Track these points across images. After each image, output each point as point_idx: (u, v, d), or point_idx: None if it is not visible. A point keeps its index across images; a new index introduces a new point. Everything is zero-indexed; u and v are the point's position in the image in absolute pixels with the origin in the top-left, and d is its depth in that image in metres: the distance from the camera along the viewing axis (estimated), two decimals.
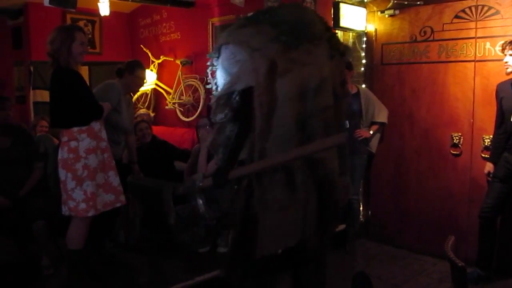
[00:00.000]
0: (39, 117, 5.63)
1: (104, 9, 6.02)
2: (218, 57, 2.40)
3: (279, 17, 2.36)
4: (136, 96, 7.34)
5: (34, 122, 5.54)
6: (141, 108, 7.20)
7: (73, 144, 3.34)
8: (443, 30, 4.36)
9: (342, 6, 4.63)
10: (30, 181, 4.01)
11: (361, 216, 4.98)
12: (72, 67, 3.39)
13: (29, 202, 3.92)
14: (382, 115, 4.58)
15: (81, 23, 7.03)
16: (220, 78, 2.39)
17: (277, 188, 2.25)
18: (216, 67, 2.41)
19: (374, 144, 4.69)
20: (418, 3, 4.47)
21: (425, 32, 4.48)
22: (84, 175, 3.35)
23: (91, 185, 3.36)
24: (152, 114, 7.23)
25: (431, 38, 4.45)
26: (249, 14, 2.53)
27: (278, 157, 2.24)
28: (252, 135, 2.26)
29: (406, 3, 4.54)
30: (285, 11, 2.43)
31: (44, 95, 6.52)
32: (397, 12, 4.66)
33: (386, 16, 4.75)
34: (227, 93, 2.30)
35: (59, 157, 3.41)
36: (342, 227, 4.68)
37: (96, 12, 6.31)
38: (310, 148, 2.27)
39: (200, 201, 2.44)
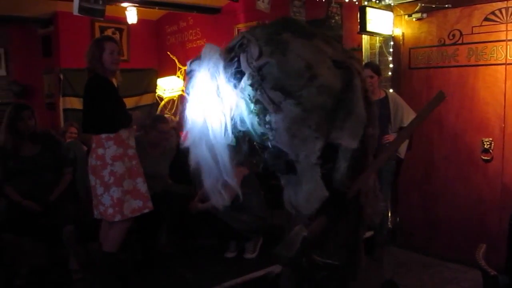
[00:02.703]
0: (68, 124, 5.73)
1: (131, 17, 6.11)
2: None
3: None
4: (163, 102, 7.42)
5: (64, 129, 5.64)
6: (167, 115, 7.26)
7: (100, 151, 3.41)
8: (472, 33, 4.28)
9: (369, 10, 4.59)
10: (60, 187, 4.08)
11: (389, 223, 4.91)
12: (106, 76, 3.47)
13: (58, 207, 3.98)
14: (411, 120, 4.51)
15: (109, 31, 7.15)
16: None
17: None
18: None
19: (402, 150, 4.63)
20: (446, 6, 4.41)
21: (453, 36, 4.42)
22: (111, 182, 3.40)
23: (117, 191, 3.41)
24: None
25: (460, 42, 4.38)
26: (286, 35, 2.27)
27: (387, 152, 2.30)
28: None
29: (433, 6, 4.48)
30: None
31: (73, 102, 6.65)
32: (424, 15, 4.60)
33: (414, 19, 4.69)
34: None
35: (89, 163, 3.49)
36: (369, 234, 4.62)
37: (123, 20, 6.40)
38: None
39: (318, 258, 2.29)
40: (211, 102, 2.16)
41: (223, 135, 2.16)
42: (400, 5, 4.79)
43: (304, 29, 2.28)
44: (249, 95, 2.12)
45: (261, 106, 2.11)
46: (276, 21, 2.32)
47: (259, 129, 2.14)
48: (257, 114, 2.12)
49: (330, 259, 2.30)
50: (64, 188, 4.12)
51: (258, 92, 2.10)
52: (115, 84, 3.59)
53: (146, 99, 7.44)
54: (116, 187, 3.40)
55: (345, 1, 4.97)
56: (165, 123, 4.50)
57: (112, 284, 3.60)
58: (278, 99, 2.10)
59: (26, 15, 6.91)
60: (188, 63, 2.35)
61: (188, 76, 2.30)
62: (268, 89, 2.11)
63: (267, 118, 2.10)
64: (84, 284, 3.85)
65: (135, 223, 3.64)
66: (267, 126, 2.10)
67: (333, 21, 5.21)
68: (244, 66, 2.17)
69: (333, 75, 2.14)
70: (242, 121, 2.20)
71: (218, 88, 2.13)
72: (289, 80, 2.11)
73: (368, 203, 2.29)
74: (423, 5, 4.55)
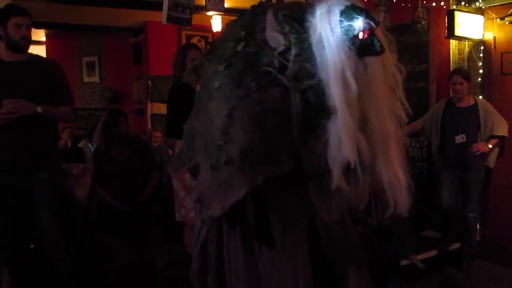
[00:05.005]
0: (153, 129, 5.97)
1: (216, 25, 6.26)
2: None
3: None
4: None
5: (149, 133, 5.87)
6: None
7: None
8: None
9: (457, 14, 4.43)
10: (147, 189, 4.24)
11: (477, 235, 4.68)
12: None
13: (146, 209, 4.15)
14: (502, 128, 4.29)
15: (194, 39, 7.37)
16: None
17: None
18: None
19: (492, 159, 4.41)
20: None
21: None
22: (192, 185, 3.49)
23: None
24: None
25: None
26: None
27: None
28: None
29: None
30: None
31: (160, 108, 6.91)
32: None
33: (507, 23, 4.46)
34: None
35: None
36: (457, 245, 4.44)
37: (209, 28, 6.56)
38: None
39: None
40: None
41: None
42: (492, 8, 4.57)
43: None
44: None
45: None
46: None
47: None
48: None
49: None
50: (152, 191, 4.29)
51: None
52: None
53: None
54: None
55: (432, 5, 4.82)
56: None
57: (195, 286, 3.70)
58: None
59: (119, 24, 7.31)
60: None
61: None
62: None
63: None
64: (168, 283, 3.99)
65: None
66: None
67: (419, 25, 5.07)
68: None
69: None
70: None
71: None
72: None
73: None
74: None
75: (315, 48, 1.68)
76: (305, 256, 1.92)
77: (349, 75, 1.63)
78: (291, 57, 1.69)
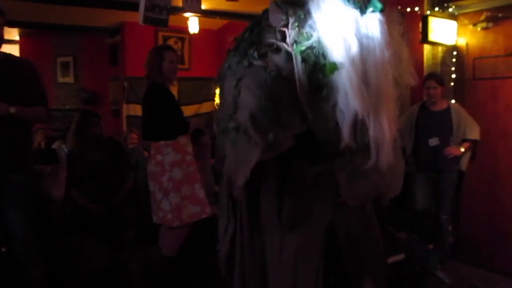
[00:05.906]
0: (129, 130, 5.93)
1: (193, 27, 6.24)
2: None
3: None
4: None
5: (125, 135, 5.83)
6: None
7: (159, 158, 3.50)
8: None
9: (431, 19, 4.50)
10: (122, 191, 4.21)
11: (451, 237, 4.76)
12: (164, 84, 3.58)
13: (121, 211, 4.11)
14: (474, 132, 4.37)
15: (171, 41, 7.35)
16: None
17: None
18: None
19: (464, 162, 4.48)
20: None
21: None
22: (169, 187, 3.48)
23: (175, 197, 3.49)
24: None
25: None
26: None
27: None
28: None
29: (500, 15, 4.33)
30: None
31: (136, 109, 6.85)
32: (490, 24, 4.45)
33: (479, 29, 4.55)
34: None
35: (148, 169, 3.59)
36: (430, 247, 4.50)
37: (186, 30, 6.55)
38: None
39: None
40: None
41: None
42: (465, 14, 4.66)
43: None
44: None
45: None
46: None
47: None
48: None
49: None
50: (126, 193, 4.26)
51: None
52: (174, 91, 3.68)
53: (205, 107, 7.58)
54: (174, 193, 3.49)
55: (407, 11, 4.89)
56: (205, 136, 4.43)
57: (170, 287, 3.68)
58: None
59: (95, 25, 7.24)
60: None
61: None
62: None
63: None
64: (143, 286, 3.96)
65: (194, 228, 3.71)
66: None
67: None
68: None
69: None
70: None
71: None
72: None
73: None
74: (489, 14, 4.41)
75: (314, 14, 1.82)
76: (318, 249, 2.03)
77: (348, 32, 1.77)
78: (289, 26, 1.84)
